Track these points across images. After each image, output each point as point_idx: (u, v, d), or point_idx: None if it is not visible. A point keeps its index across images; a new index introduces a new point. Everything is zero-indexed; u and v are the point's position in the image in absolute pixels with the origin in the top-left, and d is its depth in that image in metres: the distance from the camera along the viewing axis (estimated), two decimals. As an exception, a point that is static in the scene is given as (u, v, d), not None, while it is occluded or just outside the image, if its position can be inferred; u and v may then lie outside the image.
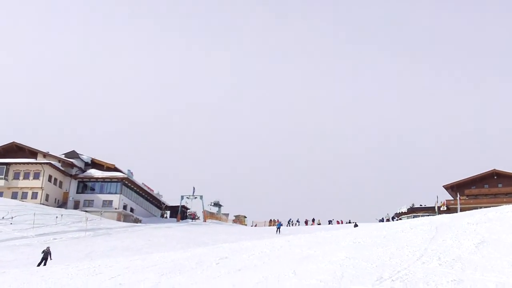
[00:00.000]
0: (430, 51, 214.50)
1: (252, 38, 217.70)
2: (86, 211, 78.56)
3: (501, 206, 36.91)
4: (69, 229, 62.58)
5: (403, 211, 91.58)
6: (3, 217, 63.41)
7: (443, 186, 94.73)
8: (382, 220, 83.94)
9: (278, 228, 63.04)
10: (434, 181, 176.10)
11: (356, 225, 60.19)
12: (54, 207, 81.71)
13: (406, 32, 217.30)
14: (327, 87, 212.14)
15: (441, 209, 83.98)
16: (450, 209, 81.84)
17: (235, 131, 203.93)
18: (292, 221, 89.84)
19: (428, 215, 68.15)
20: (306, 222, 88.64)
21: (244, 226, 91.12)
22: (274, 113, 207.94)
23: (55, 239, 55.64)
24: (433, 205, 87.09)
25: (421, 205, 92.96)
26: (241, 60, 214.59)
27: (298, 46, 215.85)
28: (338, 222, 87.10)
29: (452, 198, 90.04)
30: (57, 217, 67.32)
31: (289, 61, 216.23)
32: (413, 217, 76.13)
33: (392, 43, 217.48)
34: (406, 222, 39.19)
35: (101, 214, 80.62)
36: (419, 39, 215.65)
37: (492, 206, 42.22)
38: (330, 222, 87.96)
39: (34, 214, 64.52)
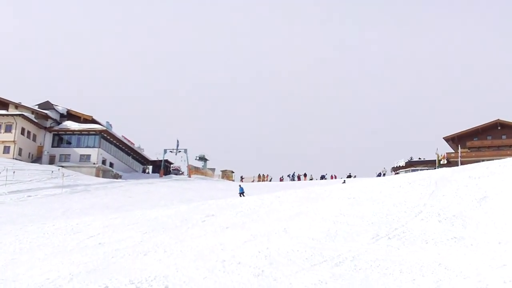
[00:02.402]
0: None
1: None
2: (62, 166, 78.39)
3: (505, 159, 37.08)
4: (44, 186, 62.57)
5: (401, 165, 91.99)
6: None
7: (443, 138, 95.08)
8: (379, 175, 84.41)
9: (241, 192, 52.55)
10: (434, 133, 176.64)
11: (344, 181, 57.69)
12: (28, 162, 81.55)
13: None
14: (325, 35, 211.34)
15: (441, 162, 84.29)
16: (450, 163, 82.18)
17: (221, 79, 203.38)
18: (283, 177, 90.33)
19: (427, 169, 68.49)
20: (298, 177, 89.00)
21: (231, 181, 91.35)
22: (266, 58, 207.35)
23: (29, 196, 55.68)
24: (433, 158, 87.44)
25: (419, 159, 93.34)
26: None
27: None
28: (332, 177, 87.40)
29: (453, 151, 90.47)
30: None
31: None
32: (412, 171, 76.54)
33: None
34: (404, 176, 39.35)
35: (79, 169, 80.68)
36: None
37: (495, 159, 42.36)
38: (323, 177, 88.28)
39: (7, 169, 64.41)
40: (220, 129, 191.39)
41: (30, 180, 64.93)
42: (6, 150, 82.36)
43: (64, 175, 67.69)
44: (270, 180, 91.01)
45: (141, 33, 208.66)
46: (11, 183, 60.91)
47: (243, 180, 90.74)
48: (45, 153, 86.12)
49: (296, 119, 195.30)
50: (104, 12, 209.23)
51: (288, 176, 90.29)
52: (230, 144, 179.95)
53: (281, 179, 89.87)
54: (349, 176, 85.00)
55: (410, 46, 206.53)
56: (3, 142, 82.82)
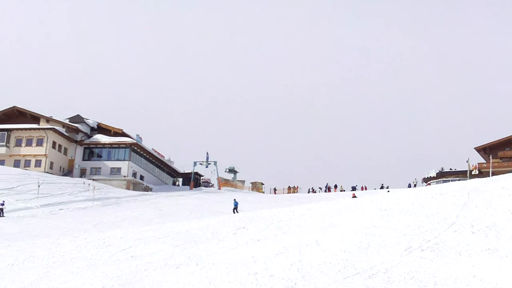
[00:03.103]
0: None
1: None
2: (93, 179, 78.94)
3: (538, 169, 36.68)
4: (75, 199, 63.10)
5: (432, 176, 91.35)
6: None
7: (475, 148, 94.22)
8: (409, 186, 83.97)
9: (235, 207, 50.24)
10: (465, 143, 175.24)
11: (388, 191, 56.29)
12: (59, 175, 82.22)
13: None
14: (349, 40, 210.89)
15: (473, 173, 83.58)
16: (482, 173, 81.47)
17: (250, 93, 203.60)
18: (313, 188, 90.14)
19: (459, 180, 67.98)
20: (328, 189, 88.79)
21: (261, 193, 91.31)
22: (293, 73, 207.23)
23: (61, 209, 56.15)
24: (464, 169, 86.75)
25: (451, 169, 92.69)
26: (245, 25, 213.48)
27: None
28: (362, 188, 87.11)
29: (485, 161, 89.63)
30: (39, 185, 67.37)
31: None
32: (443, 182, 76.02)
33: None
34: (435, 187, 39.06)
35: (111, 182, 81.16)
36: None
37: (528, 170, 41.95)
38: (354, 188, 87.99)
39: (39, 183, 64.96)
40: (250, 141, 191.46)
41: (62, 194, 65.45)
42: (38, 163, 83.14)
43: (95, 188, 68.10)
44: (298, 192, 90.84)
45: (168, 48, 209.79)
46: (42, 197, 61.44)
47: (276, 192, 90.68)
48: (76, 166, 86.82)
49: (324, 130, 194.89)
50: (132, 24, 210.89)
51: (320, 188, 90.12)
52: (260, 156, 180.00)
53: (313, 191, 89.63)
54: (382, 187, 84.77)
55: (440, 55, 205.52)
56: (34, 155, 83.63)
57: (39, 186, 63.40)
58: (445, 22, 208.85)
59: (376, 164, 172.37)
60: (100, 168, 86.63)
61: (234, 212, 47.54)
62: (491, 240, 19.13)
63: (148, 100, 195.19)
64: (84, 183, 72.58)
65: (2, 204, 51.73)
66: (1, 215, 50.45)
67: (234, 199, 53.75)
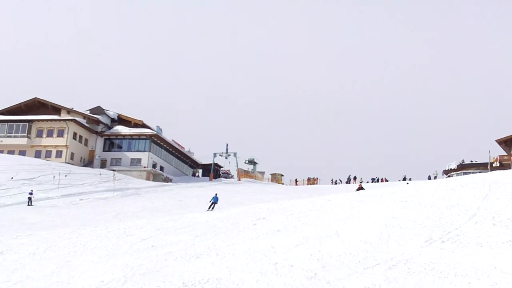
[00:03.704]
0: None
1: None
2: (113, 170, 79.38)
3: (560, 162, 36.40)
4: (96, 189, 63.47)
5: (453, 168, 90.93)
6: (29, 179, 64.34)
7: (496, 141, 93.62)
8: (429, 178, 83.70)
9: (214, 202, 45.89)
10: (486, 135, 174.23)
11: (408, 183, 53.96)
12: (80, 166, 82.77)
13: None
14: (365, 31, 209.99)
15: (494, 165, 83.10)
16: (503, 165, 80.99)
17: (271, 86, 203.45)
18: (335, 180, 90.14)
19: (479, 172, 67.59)
20: (348, 181, 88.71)
21: (281, 185, 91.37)
22: (316, 67, 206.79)
23: (81, 199, 56.49)
24: (485, 161, 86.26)
25: (471, 161, 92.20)
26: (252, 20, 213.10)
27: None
28: (382, 180, 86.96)
29: (506, 153, 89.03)
30: (66, 175, 67.88)
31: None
32: (463, 174, 75.67)
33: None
34: (456, 179, 38.85)
35: (131, 173, 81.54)
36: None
37: (550, 162, 41.63)
38: (374, 180, 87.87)
39: (59, 173, 65.38)
40: (270, 132, 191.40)
41: (82, 184, 65.89)
42: (59, 154, 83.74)
43: (116, 178, 68.46)
44: (318, 183, 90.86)
45: (190, 38, 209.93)
46: (63, 187, 61.85)
47: (297, 183, 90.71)
48: (97, 157, 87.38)
49: (344, 122, 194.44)
50: (155, 15, 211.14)
51: (340, 180, 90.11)
52: (280, 147, 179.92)
53: (336, 182, 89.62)
54: (404, 179, 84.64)
55: (465, 47, 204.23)
56: (55, 146, 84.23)
57: (65, 176, 64.03)
58: (456, 20, 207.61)
59: (397, 156, 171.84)
60: (120, 159, 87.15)
61: (209, 209, 43.61)
62: (512, 232, 19.03)
63: (169, 91, 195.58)
64: (100, 174, 72.96)
65: (31, 193, 53.13)
66: (30, 203, 51.39)
67: (215, 194, 47.67)
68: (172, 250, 21.09)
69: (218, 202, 46.08)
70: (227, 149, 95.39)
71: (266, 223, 25.42)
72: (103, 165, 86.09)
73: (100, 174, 72.52)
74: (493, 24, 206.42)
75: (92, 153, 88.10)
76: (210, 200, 46.79)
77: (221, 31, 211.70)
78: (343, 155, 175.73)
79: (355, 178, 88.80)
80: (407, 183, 47.16)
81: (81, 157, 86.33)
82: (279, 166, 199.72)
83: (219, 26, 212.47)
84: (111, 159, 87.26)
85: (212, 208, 44.22)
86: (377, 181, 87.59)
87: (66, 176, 65.82)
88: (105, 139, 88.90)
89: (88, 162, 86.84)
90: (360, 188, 45.37)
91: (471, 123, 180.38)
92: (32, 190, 53.91)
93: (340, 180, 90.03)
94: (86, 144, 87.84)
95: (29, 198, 51.83)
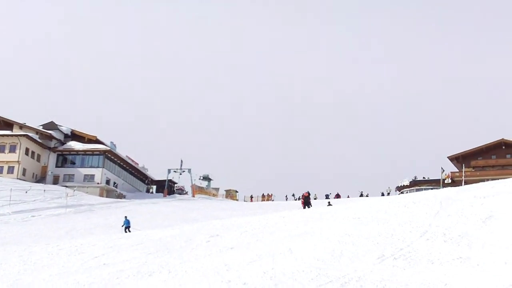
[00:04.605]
0: (435, 13, 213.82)
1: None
2: (66, 186, 78.46)
3: (510, 178, 36.95)
4: (48, 206, 62.69)
5: (405, 184, 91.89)
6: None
7: (448, 157, 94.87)
8: (382, 194, 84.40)
9: (127, 226, 44.00)
10: (438, 152, 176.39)
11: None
12: (32, 182, 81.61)
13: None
14: (322, 54, 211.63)
15: (446, 181, 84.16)
16: (455, 182, 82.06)
17: (224, 101, 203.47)
18: (288, 196, 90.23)
19: (432, 188, 68.37)
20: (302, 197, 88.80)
21: (235, 201, 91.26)
22: (268, 84, 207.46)
23: (33, 216, 55.71)
24: (437, 178, 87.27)
25: (424, 178, 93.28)
26: (234, 29, 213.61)
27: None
28: (336, 197, 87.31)
29: (457, 170, 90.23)
30: (26, 192, 67.05)
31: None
32: (416, 191, 76.47)
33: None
34: (408, 196, 39.25)
35: (86, 190, 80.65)
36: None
37: (500, 178, 42.24)
38: (327, 196, 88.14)
39: (11, 189, 64.42)
40: (225, 148, 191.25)
41: (34, 200, 64.98)
42: (10, 170, 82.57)
43: (68, 195, 67.71)
44: (273, 200, 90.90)
45: (141, 55, 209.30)
46: (15, 203, 60.94)
47: (252, 199, 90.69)
48: (49, 173, 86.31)
49: (301, 136, 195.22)
50: (104, 25, 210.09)
51: (293, 196, 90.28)
52: (235, 164, 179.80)
53: (296, 198, 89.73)
54: (362, 195, 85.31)
55: (414, 63, 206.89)
56: (7, 162, 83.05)
57: (26, 192, 63.22)
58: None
59: (351, 172, 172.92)
60: (73, 175, 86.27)
61: (125, 231, 42.07)
62: (462, 249, 19.21)
63: (123, 107, 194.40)
64: (44, 190, 71.95)
65: None
66: None
67: (125, 217, 45.75)
68: (124, 267, 20.89)
69: (131, 224, 44.25)
70: (181, 165, 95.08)
71: (219, 240, 25.32)
72: (55, 181, 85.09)
73: (67, 194, 71.25)
74: (441, 49, 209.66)
75: (44, 169, 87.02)
76: (122, 225, 44.75)
77: (180, 47, 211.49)
78: (298, 170, 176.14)
79: (308, 193, 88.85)
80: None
81: (33, 173, 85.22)
82: (235, 182, 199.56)
83: (173, 40, 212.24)
84: (64, 175, 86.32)
85: (129, 231, 42.60)
86: (329, 197, 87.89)
87: (26, 192, 64.93)
88: (58, 154, 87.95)
89: (40, 178, 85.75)
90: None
91: (425, 140, 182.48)
92: None
93: (293, 196, 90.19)
94: (38, 160, 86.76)
95: None
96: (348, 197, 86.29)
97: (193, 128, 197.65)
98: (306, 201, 44.87)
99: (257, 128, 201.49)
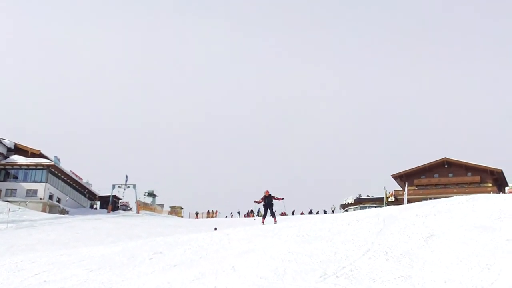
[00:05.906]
0: (381, 35, 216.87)
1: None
2: (8, 201, 77.28)
3: (451, 197, 37.49)
4: (-13, 221, 61.54)
5: (350, 202, 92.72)
6: None
7: (392, 176, 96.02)
8: (325, 212, 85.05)
9: None
10: (383, 170, 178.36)
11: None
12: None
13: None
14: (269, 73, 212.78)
15: (389, 200, 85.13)
16: (398, 200, 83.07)
17: (171, 115, 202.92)
18: (232, 213, 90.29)
19: (375, 207, 69.10)
20: (247, 214, 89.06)
21: (180, 218, 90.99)
22: (215, 98, 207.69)
23: (-27, 231, 54.64)
24: (381, 196, 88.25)
25: (368, 196, 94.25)
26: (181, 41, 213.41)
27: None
28: (281, 214, 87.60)
29: (401, 188, 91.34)
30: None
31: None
32: (360, 209, 77.15)
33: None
34: (352, 214, 39.49)
35: (26, 204, 79.47)
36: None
37: (442, 197, 42.90)
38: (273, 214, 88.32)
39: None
40: (169, 165, 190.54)
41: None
42: None
43: (10, 210, 66.67)
44: (217, 217, 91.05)
45: (86, 68, 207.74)
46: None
47: (197, 216, 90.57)
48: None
49: (245, 154, 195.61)
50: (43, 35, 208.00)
51: (238, 213, 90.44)
52: (180, 180, 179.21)
53: (246, 215, 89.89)
54: (311, 212, 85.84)
55: (358, 83, 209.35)
56: None
57: None
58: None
59: (296, 188, 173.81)
60: (15, 189, 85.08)
61: None
62: (404, 267, 19.39)
63: (67, 121, 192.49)
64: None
65: None
66: None
67: None
68: (65, 285, 20.59)
69: None
70: (126, 181, 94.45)
71: (163, 258, 25.13)
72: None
73: (8, 209, 69.93)
74: (383, 65, 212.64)
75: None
76: None
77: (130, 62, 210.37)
78: (244, 187, 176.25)
79: (251, 212, 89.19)
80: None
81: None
82: (180, 199, 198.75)
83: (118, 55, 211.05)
84: (6, 189, 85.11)
85: None
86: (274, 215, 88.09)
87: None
88: (0, 168, 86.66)
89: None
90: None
91: (370, 157, 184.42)
92: None
93: (238, 213, 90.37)
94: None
95: None
96: (293, 214, 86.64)
97: (137, 143, 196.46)
98: (269, 203, 39.63)
99: (202, 145, 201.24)
